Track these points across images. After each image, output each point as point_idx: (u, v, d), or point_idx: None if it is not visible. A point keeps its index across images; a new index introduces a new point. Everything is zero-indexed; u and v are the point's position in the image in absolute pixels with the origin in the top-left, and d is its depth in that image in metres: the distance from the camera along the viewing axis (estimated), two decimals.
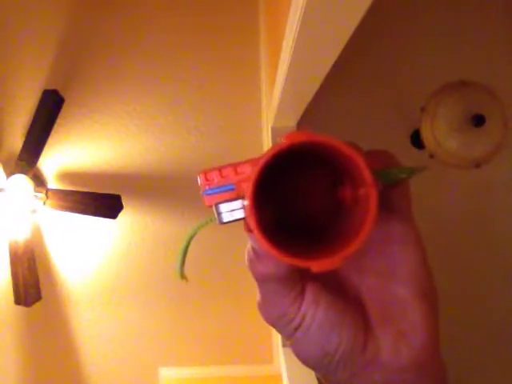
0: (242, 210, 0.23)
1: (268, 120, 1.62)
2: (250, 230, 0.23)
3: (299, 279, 0.25)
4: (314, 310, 0.24)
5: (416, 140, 1.75)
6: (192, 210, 1.90)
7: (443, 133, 1.53)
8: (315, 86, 1.04)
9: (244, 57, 1.86)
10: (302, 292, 0.24)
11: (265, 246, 0.21)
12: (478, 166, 1.54)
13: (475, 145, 1.52)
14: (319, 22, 0.70)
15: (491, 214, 1.90)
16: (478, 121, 1.44)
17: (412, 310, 0.24)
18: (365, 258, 0.26)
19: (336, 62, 0.87)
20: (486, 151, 1.51)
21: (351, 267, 0.26)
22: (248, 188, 0.21)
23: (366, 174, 0.20)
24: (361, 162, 0.21)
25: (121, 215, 1.73)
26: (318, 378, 1.47)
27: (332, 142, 0.21)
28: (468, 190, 1.88)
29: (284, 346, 1.73)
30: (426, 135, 1.57)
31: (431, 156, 1.61)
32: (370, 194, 0.20)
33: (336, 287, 0.25)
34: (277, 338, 1.91)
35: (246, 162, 0.23)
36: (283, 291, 0.24)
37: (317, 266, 0.21)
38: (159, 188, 1.92)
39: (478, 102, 1.49)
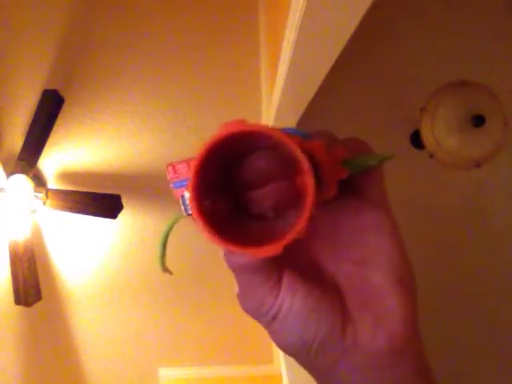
0: None
1: (268, 120, 1.62)
2: None
3: (276, 269, 0.25)
4: (290, 299, 0.24)
5: (416, 140, 1.75)
6: None
7: (443, 133, 1.53)
8: (315, 86, 1.04)
9: (244, 57, 1.86)
10: (279, 282, 0.25)
11: (205, 233, 0.21)
12: (478, 165, 1.54)
13: (475, 145, 1.52)
14: (319, 22, 0.70)
15: (491, 213, 1.90)
16: (478, 121, 1.44)
17: (388, 297, 0.24)
18: (340, 246, 0.26)
19: (336, 62, 0.87)
20: (485, 151, 1.51)
21: (328, 256, 0.26)
22: (190, 179, 0.21)
23: (302, 162, 0.20)
24: (296, 150, 0.20)
25: (121, 215, 1.73)
26: None
27: (268, 132, 0.20)
28: (468, 189, 1.88)
29: None
30: (426, 135, 1.57)
31: (431, 156, 1.61)
32: (307, 182, 0.20)
33: (313, 276, 0.26)
34: None
35: None
36: (259, 281, 0.24)
37: (259, 252, 0.21)
38: (159, 188, 1.92)
39: (478, 102, 1.48)
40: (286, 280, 0.25)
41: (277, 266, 0.25)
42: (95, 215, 1.71)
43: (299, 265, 0.26)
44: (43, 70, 1.83)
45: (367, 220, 0.25)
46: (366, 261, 0.25)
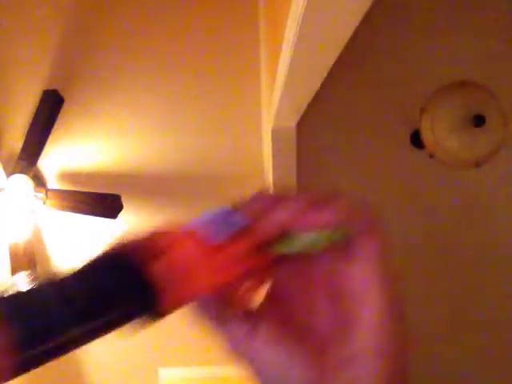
0: None
1: (268, 120, 1.62)
2: None
3: (250, 318, 0.25)
4: (264, 351, 0.24)
5: (416, 140, 1.75)
6: (191, 209, 1.90)
7: (443, 133, 1.53)
8: (315, 87, 1.04)
9: (244, 57, 1.86)
10: (255, 330, 0.25)
11: None
12: (478, 165, 1.54)
13: (475, 145, 1.52)
14: (319, 22, 0.70)
15: (491, 213, 1.90)
16: (478, 121, 1.44)
17: (363, 364, 0.23)
18: (321, 300, 0.26)
19: (336, 62, 0.87)
20: (486, 151, 1.51)
21: (307, 308, 0.26)
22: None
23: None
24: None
25: (121, 215, 1.72)
26: None
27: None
28: (468, 190, 1.88)
29: None
30: (426, 135, 1.57)
31: (431, 156, 1.61)
32: None
33: (290, 328, 0.25)
34: None
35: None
36: (233, 330, 0.25)
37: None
38: (159, 188, 1.92)
39: (478, 102, 1.48)
40: (263, 330, 0.25)
41: (252, 316, 0.25)
42: (95, 215, 1.71)
43: (278, 314, 0.26)
44: (43, 70, 1.83)
45: (353, 281, 0.24)
46: (347, 321, 0.24)
